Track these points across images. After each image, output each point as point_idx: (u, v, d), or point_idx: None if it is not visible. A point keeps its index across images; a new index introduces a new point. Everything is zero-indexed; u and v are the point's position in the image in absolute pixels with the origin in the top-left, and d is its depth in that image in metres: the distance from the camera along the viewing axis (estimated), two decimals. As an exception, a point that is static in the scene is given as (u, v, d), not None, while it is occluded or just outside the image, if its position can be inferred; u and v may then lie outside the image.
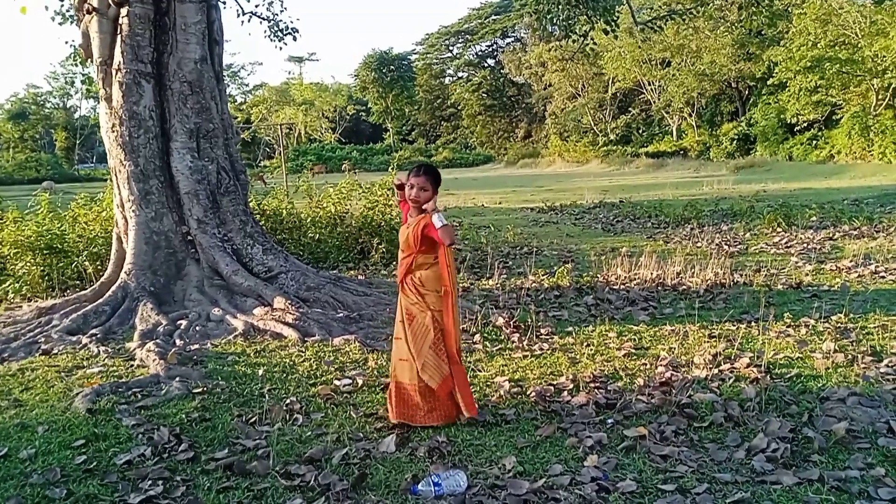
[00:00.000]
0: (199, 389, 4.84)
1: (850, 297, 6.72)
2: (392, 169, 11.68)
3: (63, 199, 10.27)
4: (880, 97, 31.57)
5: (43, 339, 6.22)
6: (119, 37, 7.04)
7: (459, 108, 71.82)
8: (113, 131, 7.10)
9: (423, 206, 4.06)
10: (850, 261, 8.58)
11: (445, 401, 4.10)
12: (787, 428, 3.80)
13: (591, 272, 8.60)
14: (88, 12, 7.07)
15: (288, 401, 4.59)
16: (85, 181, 43.58)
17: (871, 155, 29.59)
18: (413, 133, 79.15)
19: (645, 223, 14.09)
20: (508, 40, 71.13)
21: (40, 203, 9.40)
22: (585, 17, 12.77)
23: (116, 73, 7.04)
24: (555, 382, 4.79)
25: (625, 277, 8.20)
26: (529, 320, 6.23)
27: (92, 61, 7.27)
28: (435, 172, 4.14)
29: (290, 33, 13.51)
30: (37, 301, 7.91)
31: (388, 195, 10.92)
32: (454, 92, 72.06)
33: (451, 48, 75.79)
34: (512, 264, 9.68)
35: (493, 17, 70.07)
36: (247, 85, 77.32)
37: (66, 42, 8.92)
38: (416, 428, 4.09)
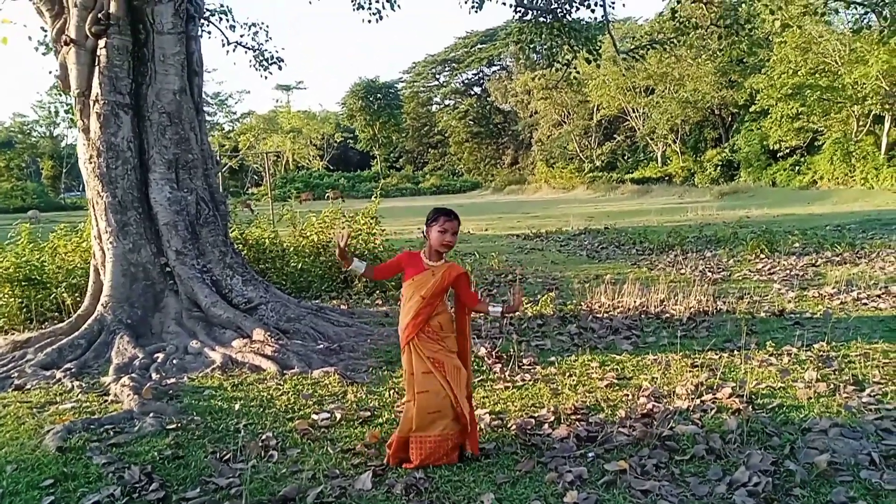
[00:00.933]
0: (174, 425, 4.74)
1: (832, 325, 6.71)
2: (375, 197, 11.63)
3: (47, 228, 10.16)
4: (861, 123, 32.02)
5: (16, 374, 6.09)
6: (97, 68, 7.00)
7: (446, 135, 72.32)
8: (91, 162, 7.04)
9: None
10: (833, 287, 8.60)
11: (463, 438, 4.03)
12: (769, 461, 3.75)
13: (574, 300, 8.56)
14: (66, 44, 7.03)
15: (264, 436, 4.50)
16: (71, 210, 43.34)
17: (853, 180, 29.93)
18: (401, 160, 79.51)
19: (629, 250, 14.11)
20: (494, 68, 71.89)
21: (20, 234, 9.29)
22: (568, 46, 12.88)
23: (94, 105, 7.00)
24: (536, 415, 4.72)
25: (608, 305, 8.16)
26: (512, 350, 6.17)
27: (70, 92, 7.22)
28: (458, 216, 4.02)
29: (275, 62, 13.57)
30: (13, 334, 7.78)
31: (371, 224, 10.88)
32: (441, 119, 72.62)
33: (437, 76, 76.49)
34: (496, 292, 9.63)
35: (479, 45, 70.87)
36: (234, 113, 77.59)
37: (50, 72, 8.92)
38: (393, 465, 4.01)
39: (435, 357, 3.88)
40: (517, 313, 3.89)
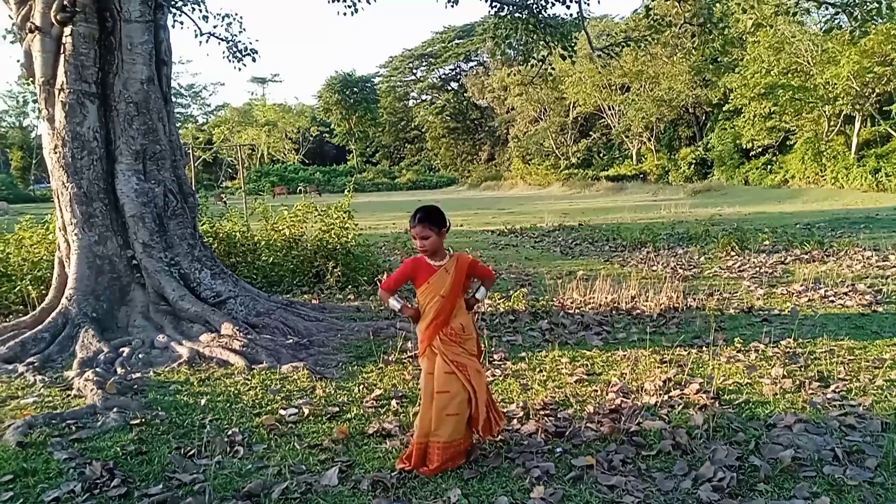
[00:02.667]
0: (137, 420, 4.66)
1: (799, 322, 6.79)
2: (348, 191, 11.56)
3: (13, 220, 9.95)
4: (832, 123, 32.47)
5: (-23, 368, 5.96)
6: (62, 56, 6.85)
7: (423, 130, 72.25)
8: (55, 152, 6.89)
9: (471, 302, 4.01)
10: (801, 285, 8.69)
11: (471, 435, 3.99)
12: (734, 456, 3.77)
13: (547, 296, 8.58)
14: (31, 31, 6.88)
15: (230, 432, 4.44)
16: (41, 202, 42.67)
17: (824, 180, 30.36)
18: (377, 155, 79.29)
19: (602, 246, 14.18)
20: (471, 64, 71.90)
21: (-16, 225, 9.11)
22: (543, 42, 12.89)
23: (59, 93, 6.85)
24: (505, 410, 4.70)
25: (580, 301, 8.18)
26: (483, 345, 6.14)
27: (35, 81, 7.07)
28: (433, 215, 3.86)
29: (248, 54, 13.44)
30: (-25, 327, 7.62)
31: (343, 218, 10.81)
32: (418, 114, 72.54)
33: (414, 71, 76.34)
34: (469, 288, 9.60)
35: (457, 41, 70.84)
36: (209, 105, 76.76)
37: (18, 61, 8.70)
38: (360, 460, 3.98)
39: (457, 360, 3.80)
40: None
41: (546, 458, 3.94)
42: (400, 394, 5.14)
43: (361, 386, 5.38)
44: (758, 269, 10.36)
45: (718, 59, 37.59)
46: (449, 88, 72.91)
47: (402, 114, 76.54)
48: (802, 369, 5.37)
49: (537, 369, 5.68)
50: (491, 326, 7.17)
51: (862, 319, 7.01)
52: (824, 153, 30.99)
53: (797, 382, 5.00)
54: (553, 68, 14.62)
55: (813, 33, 31.36)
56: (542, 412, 4.62)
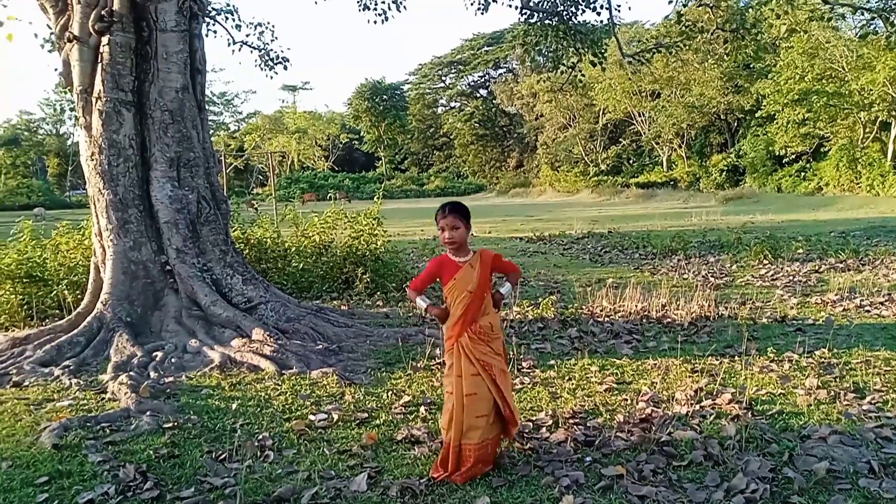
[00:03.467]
0: (170, 424, 4.72)
1: (834, 332, 6.68)
2: (377, 198, 11.62)
3: (51, 226, 10.16)
4: (867, 130, 31.93)
5: (14, 371, 6.08)
6: (100, 65, 7.00)
7: (452, 137, 72.33)
8: (92, 159, 7.03)
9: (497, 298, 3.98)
10: (836, 294, 8.56)
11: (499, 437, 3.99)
12: (768, 467, 3.72)
13: (576, 304, 8.53)
14: (69, 40, 7.03)
15: (260, 436, 4.48)
16: (76, 208, 43.42)
17: (859, 187, 29.85)
18: (405, 162, 79.56)
19: (632, 254, 14.08)
20: (500, 71, 71.91)
21: (23, 230, 9.29)
22: (573, 49, 12.87)
23: (97, 102, 6.99)
24: (534, 418, 4.69)
25: (609, 309, 8.13)
26: (511, 353, 6.14)
27: (73, 89, 7.22)
28: (462, 208, 3.95)
29: (280, 62, 13.61)
30: (14, 331, 7.78)
31: (372, 224, 10.87)
32: (446, 121, 72.67)
33: (443, 78, 76.54)
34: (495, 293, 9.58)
35: (486, 48, 70.92)
36: (240, 113, 77.65)
37: (55, 70, 8.95)
38: (389, 466, 3.99)
39: (484, 360, 3.80)
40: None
41: (575, 466, 3.92)
42: (428, 400, 5.14)
43: (390, 392, 5.40)
44: (791, 277, 10.21)
45: (751, 65, 37.18)
46: (478, 95, 73.00)
47: (431, 121, 76.74)
48: (837, 380, 5.28)
49: (566, 377, 5.65)
50: (520, 334, 7.15)
51: (899, 330, 6.88)
52: (859, 160, 30.47)
53: (832, 393, 4.92)
54: (583, 75, 14.55)
55: (848, 39, 30.89)
56: (571, 420, 4.59)
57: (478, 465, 3.79)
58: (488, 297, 3.92)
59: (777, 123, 34.28)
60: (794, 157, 35.39)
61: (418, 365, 6.09)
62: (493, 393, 3.80)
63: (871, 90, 28.74)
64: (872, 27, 20.60)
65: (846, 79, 30.41)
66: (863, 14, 13.49)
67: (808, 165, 34.88)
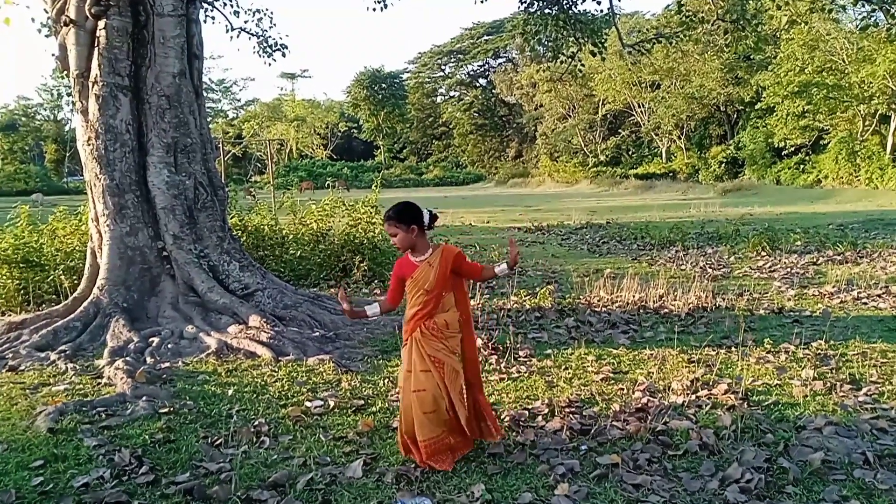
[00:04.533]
0: (166, 409, 4.72)
1: (831, 324, 6.68)
2: (375, 187, 11.60)
3: (49, 211, 10.14)
4: (867, 123, 31.89)
5: (11, 355, 6.09)
6: (96, 49, 6.95)
7: (451, 126, 72.13)
8: (89, 144, 7.00)
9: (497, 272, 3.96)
10: (833, 286, 8.56)
11: (474, 431, 4.00)
12: (763, 457, 3.73)
13: (573, 294, 8.53)
14: (66, 24, 6.98)
15: (256, 422, 4.48)
16: (74, 194, 43.30)
17: (858, 180, 29.83)
18: (404, 151, 79.38)
19: (630, 245, 14.07)
20: (500, 60, 71.65)
21: (20, 216, 9.26)
22: (573, 38, 12.81)
23: (93, 86, 6.95)
24: (530, 407, 4.70)
25: (607, 299, 8.13)
26: (508, 342, 6.14)
27: (69, 73, 7.18)
28: (398, 212, 3.85)
29: (278, 49, 13.51)
30: (10, 315, 7.76)
31: (371, 213, 10.85)
32: (446, 111, 72.44)
33: (443, 67, 76.25)
34: (495, 284, 9.59)
35: (486, 37, 70.62)
36: (238, 100, 77.30)
37: (52, 54, 8.85)
38: (384, 453, 3.99)
39: (436, 356, 3.80)
40: (516, 267, 3.80)
41: (571, 455, 3.92)
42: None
43: (386, 380, 5.40)
44: (789, 269, 10.21)
45: (751, 57, 37.07)
46: (477, 85, 72.75)
47: (430, 110, 76.50)
48: (833, 371, 5.28)
49: (563, 367, 5.66)
50: (517, 323, 7.14)
51: (895, 322, 6.88)
52: (858, 153, 30.43)
53: (828, 385, 4.92)
54: (582, 65, 14.49)
55: (848, 31, 30.80)
56: (567, 409, 4.59)
57: (433, 457, 3.78)
58: (448, 295, 3.91)
59: (777, 116, 34.21)
60: (793, 149, 35.32)
61: (415, 353, 6.08)
62: (442, 391, 3.79)
63: (870, 83, 28.68)
64: (873, 19, 20.55)
65: (846, 71, 30.33)
66: (863, 6, 13.44)
67: (807, 158, 34.84)
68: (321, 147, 73.78)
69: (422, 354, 3.81)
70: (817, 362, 5.49)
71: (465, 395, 3.90)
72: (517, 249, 3.84)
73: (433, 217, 3.93)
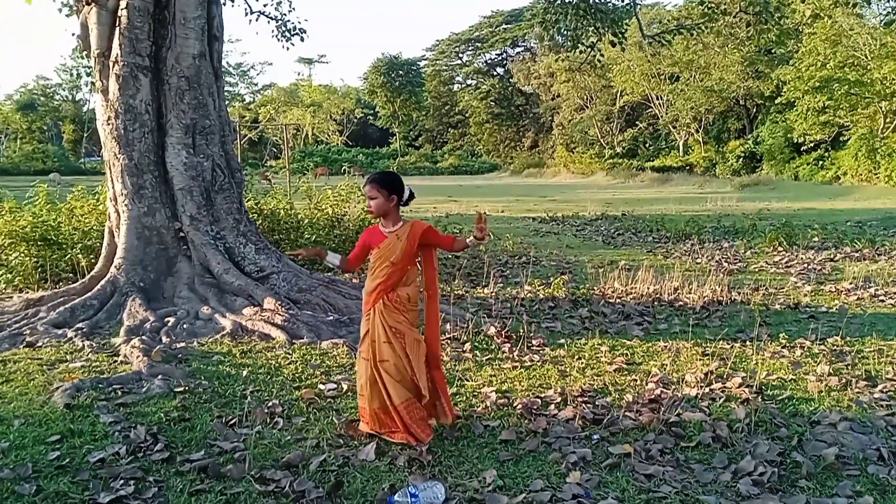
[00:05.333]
0: (181, 388, 4.76)
1: (847, 320, 6.63)
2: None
3: (65, 191, 10.22)
4: (888, 120, 31.48)
5: (28, 332, 6.15)
6: (118, 29, 6.98)
7: (467, 115, 71.88)
8: (108, 124, 7.04)
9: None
10: (850, 283, 8.49)
11: (430, 410, 4.06)
12: (776, 451, 3.72)
13: (587, 284, 8.51)
14: (88, 3, 7.01)
15: (270, 403, 4.52)
16: (91, 174, 43.52)
17: (878, 177, 29.50)
18: (420, 139, 79.22)
19: (646, 237, 14.01)
20: (518, 50, 71.24)
21: (38, 194, 9.34)
22: (593, 28, 12.72)
23: (114, 66, 6.98)
24: (542, 395, 4.70)
25: (621, 291, 8.11)
26: (522, 331, 6.14)
27: (90, 53, 7.21)
28: (382, 178, 3.98)
29: (297, 33, 13.50)
30: (27, 292, 7.85)
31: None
32: (462, 99, 72.19)
33: (460, 55, 75.92)
34: (509, 273, 9.59)
35: (504, 26, 70.23)
36: (256, 84, 77.29)
37: (73, 34, 8.92)
38: (396, 437, 4.01)
39: (397, 328, 3.90)
40: (484, 242, 3.81)
41: (583, 444, 3.93)
42: (438, 374, 5.16)
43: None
44: (806, 265, 10.14)
45: (772, 51, 36.66)
46: (494, 74, 72.41)
47: (447, 98, 76.26)
48: (849, 368, 5.25)
49: (576, 356, 5.65)
50: (530, 312, 7.14)
51: (913, 320, 6.83)
52: (879, 150, 30.04)
53: (843, 381, 4.89)
54: (602, 55, 14.39)
55: (872, 27, 30.38)
56: (580, 399, 4.60)
57: (410, 425, 3.86)
58: (412, 268, 4.00)
59: (797, 111, 33.80)
60: (812, 145, 34.93)
61: (428, 339, 6.09)
62: (404, 361, 3.88)
63: (893, 79, 28.29)
64: (898, 15, 20.29)
65: (868, 67, 29.92)
66: (888, 0, 13.26)
67: (826, 154, 34.45)
68: (337, 133, 73.73)
69: (384, 326, 3.90)
70: (833, 358, 5.46)
71: (427, 367, 4.00)
72: (486, 226, 3.86)
73: (412, 195, 4.06)
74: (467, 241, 4.01)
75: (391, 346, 3.88)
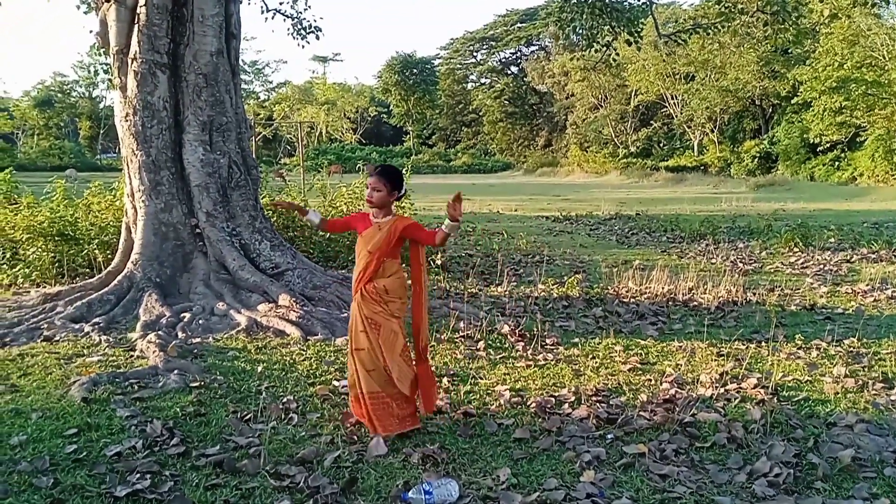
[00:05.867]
0: (197, 383, 4.80)
1: (864, 322, 6.58)
2: (406, 171, 11.60)
3: (82, 187, 10.30)
4: (906, 121, 31.15)
5: (46, 326, 6.21)
6: (136, 26, 7.03)
7: (481, 114, 71.78)
8: (126, 120, 7.10)
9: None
10: (867, 284, 8.43)
11: (414, 403, 4.11)
12: (792, 452, 3.70)
13: (601, 284, 8.50)
14: (107, 0, 7.07)
15: (285, 399, 4.54)
16: (107, 171, 43.82)
17: (895, 178, 29.23)
18: (433, 137, 79.20)
19: (660, 237, 13.95)
20: (533, 48, 71.07)
21: (55, 190, 9.43)
22: (609, 27, 12.69)
23: (132, 63, 7.04)
24: (556, 394, 4.70)
25: (636, 290, 8.09)
26: (535, 329, 6.14)
27: (108, 50, 7.27)
28: (390, 172, 4.07)
29: (312, 32, 13.52)
30: (45, 287, 7.92)
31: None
32: (476, 98, 72.07)
33: (475, 54, 75.83)
34: (522, 272, 9.59)
35: (519, 24, 70.09)
36: (270, 82, 77.61)
37: (91, 31, 9.01)
38: (410, 434, 4.02)
39: (373, 318, 3.96)
40: (458, 223, 3.76)
41: (597, 443, 3.93)
42: (451, 372, 5.17)
43: (414, 362, 5.42)
44: (822, 266, 10.06)
45: (789, 51, 36.37)
46: (509, 73, 72.28)
47: (461, 97, 76.19)
48: (866, 370, 5.21)
49: (590, 356, 5.65)
50: (544, 311, 7.14)
51: (931, 323, 6.77)
52: (896, 151, 29.80)
53: (860, 382, 4.86)
54: (617, 54, 14.35)
55: (890, 27, 30.09)
56: (594, 398, 4.59)
57: (377, 418, 3.92)
58: (389, 261, 4.03)
59: (813, 111, 33.53)
60: (828, 145, 34.65)
61: (441, 337, 6.11)
62: (377, 351, 3.93)
63: (912, 80, 28.03)
64: (918, 14, 20.07)
65: (886, 68, 29.65)
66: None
67: (842, 155, 34.16)
68: (350, 131, 73.87)
69: (361, 316, 3.97)
70: (849, 360, 5.42)
71: (406, 361, 4.05)
72: (460, 205, 3.76)
73: (405, 192, 4.23)
74: (443, 226, 3.88)
75: (367, 335, 3.96)
